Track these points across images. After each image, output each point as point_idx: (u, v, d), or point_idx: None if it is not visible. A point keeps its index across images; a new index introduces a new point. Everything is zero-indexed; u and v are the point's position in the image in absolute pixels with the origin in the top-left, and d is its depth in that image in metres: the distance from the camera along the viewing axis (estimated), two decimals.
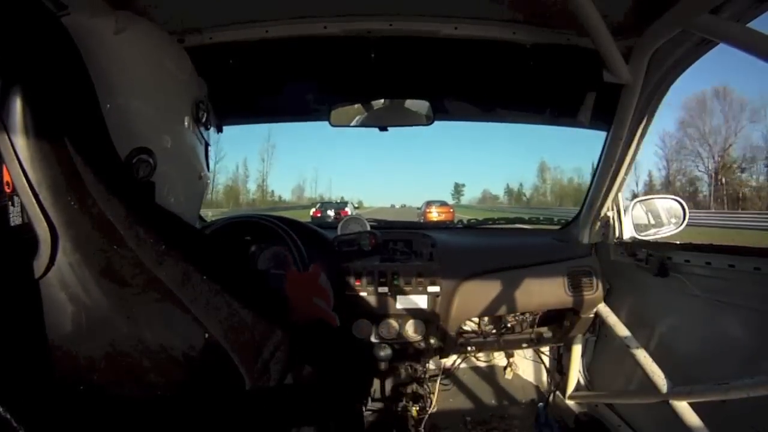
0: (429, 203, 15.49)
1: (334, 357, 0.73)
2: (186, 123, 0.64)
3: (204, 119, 0.67)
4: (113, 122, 0.51)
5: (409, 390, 1.54)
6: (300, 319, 0.73)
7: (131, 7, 0.93)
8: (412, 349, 1.35)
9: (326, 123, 1.45)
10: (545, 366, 1.79)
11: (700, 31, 0.88)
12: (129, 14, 0.60)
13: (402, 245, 1.39)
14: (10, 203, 0.43)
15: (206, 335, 0.46)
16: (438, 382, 1.65)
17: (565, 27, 1.08)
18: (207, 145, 0.74)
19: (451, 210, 15.49)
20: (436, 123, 1.46)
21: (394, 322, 1.29)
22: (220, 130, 0.85)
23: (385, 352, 1.30)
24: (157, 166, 0.56)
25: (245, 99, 1.54)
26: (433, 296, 1.28)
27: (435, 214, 13.99)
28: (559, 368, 1.71)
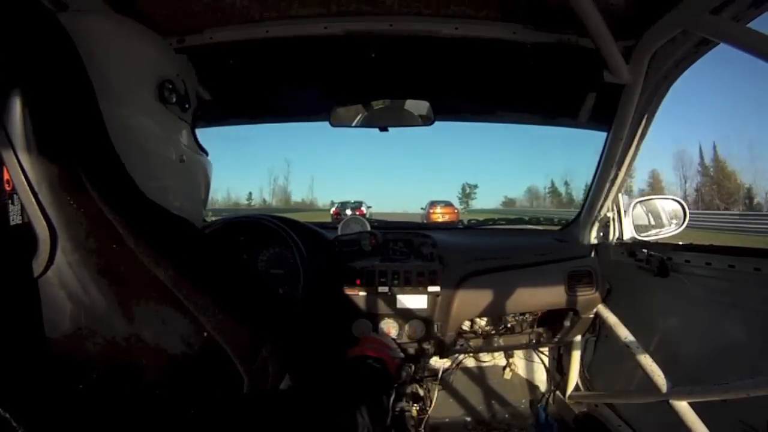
0: (433, 203, 15.20)
1: (332, 356, 0.73)
2: (147, 107, 0.59)
3: (175, 99, 0.62)
4: None
5: (409, 390, 1.54)
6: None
7: (131, 7, 0.94)
8: (412, 349, 1.35)
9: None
10: (545, 366, 1.79)
11: (700, 31, 0.88)
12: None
13: (402, 245, 1.39)
14: (10, 202, 0.43)
15: (204, 334, 0.46)
16: (438, 382, 1.65)
17: (566, 27, 1.08)
18: (192, 126, 0.69)
19: (456, 211, 15.31)
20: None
21: (394, 322, 1.29)
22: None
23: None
24: (122, 155, 0.52)
25: (245, 99, 1.54)
26: (433, 296, 1.28)
27: (439, 215, 13.94)
28: (559, 368, 1.71)
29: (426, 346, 1.34)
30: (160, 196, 0.56)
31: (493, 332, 1.45)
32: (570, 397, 1.62)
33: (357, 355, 0.90)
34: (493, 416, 1.78)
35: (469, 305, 1.32)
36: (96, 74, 0.52)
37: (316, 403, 0.55)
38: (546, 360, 1.78)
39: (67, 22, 0.51)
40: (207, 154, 0.73)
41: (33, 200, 0.43)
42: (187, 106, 0.66)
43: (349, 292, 1.27)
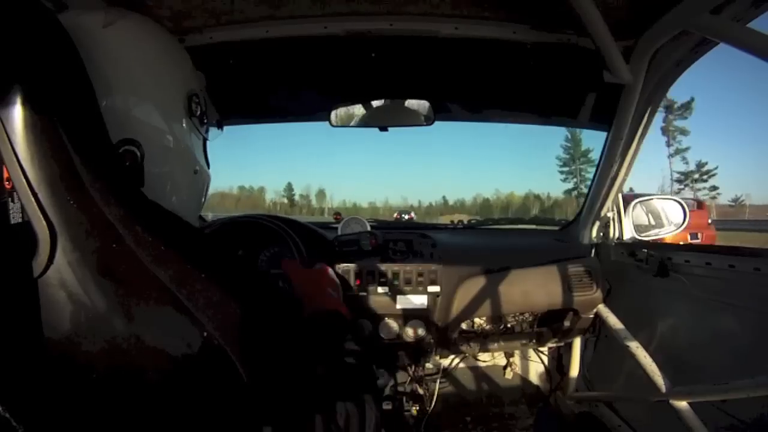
0: None
1: (336, 354, 0.73)
2: (177, 116, 0.63)
3: (199, 113, 0.66)
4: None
5: (409, 390, 1.54)
6: (313, 311, 0.77)
7: (130, 7, 0.94)
8: (412, 349, 1.35)
9: None
10: (545, 366, 1.79)
11: (700, 31, 0.88)
12: (119, 9, 0.60)
13: (402, 245, 1.39)
14: (10, 200, 0.43)
15: (204, 334, 0.46)
16: (438, 382, 1.65)
17: (566, 27, 1.08)
18: (205, 140, 0.73)
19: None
20: None
21: (394, 322, 1.29)
22: (220, 126, 0.85)
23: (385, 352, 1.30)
24: (145, 157, 0.56)
25: (245, 99, 1.54)
26: (433, 296, 1.28)
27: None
28: (559, 368, 1.71)
29: (426, 345, 1.34)
30: (170, 202, 0.60)
31: (493, 332, 1.45)
32: (570, 397, 1.62)
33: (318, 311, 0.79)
34: (493, 416, 1.79)
35: (469, 305, 1.32)
36: (131, 78, 0.57)
37: (319, 403, 0.55)
38: (546, 360, 1.78)
39: (116, 31, 0.56)
40: (209, 167, 0.76)
41: (33, 200, 0.43)
42: (205, 121, 0.70)
43: (349, 292, 1.27)
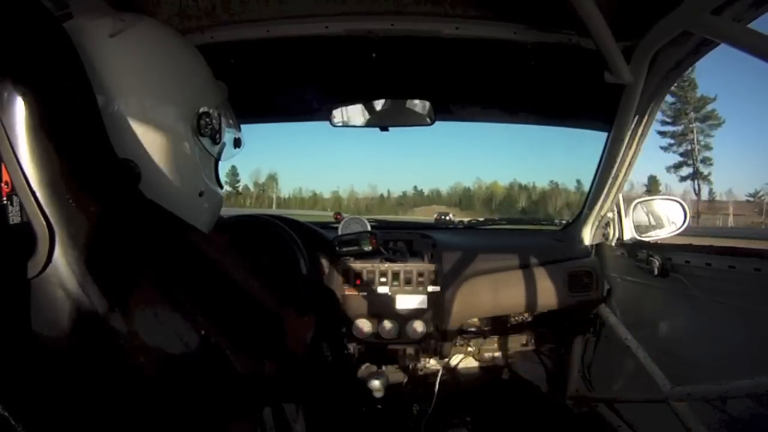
0: None
1: (332, 356, 0.73)
2: (182, 135, 0.60)
3: (209, 132, 0.62)
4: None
5: (409, 390, 1.54)
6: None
7: (132, 7, 0.94)
8: (412, 349, 1.35)
9: None
10: (545, 366, 1.79)
11: (701, 31, 0.88)
12: (131, 16, 0.58)
13: (402, 245, 1.39)
14: (9, 203, 0.43)
15: (202, 332, 0.46)
16: (438, 382, 1.65)
17: (567, 27, 1.08)
18: (216, 160, 0.70)
19: None
20: None
21: (394, 322, 1.29)
22: (238, 145, 0.77)
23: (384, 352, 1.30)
24: (143, 177, 0.54)
25: (245, 99, 1.54)
26: (433, 296, 1.28)
27: None
28: (559, 368, 1.71)
29: (426, 346, 1.34)
30: None
31: (493, 332, 1.45)
32: (570, 397, 1.62)
33: None
34: (492, 416, 1.78)
35: (469, 305, 1.32)
36: (134, 92, 0.54)
37: (317, 401, 0.55)
38: (546, 360, 1.78)
39: (123, 41, 0.54)
40: (222, 188, 0.73)
41: (32, 199, 0.43)
42: (218, 138, 0.66)
43: (349, 292, 1.27)
